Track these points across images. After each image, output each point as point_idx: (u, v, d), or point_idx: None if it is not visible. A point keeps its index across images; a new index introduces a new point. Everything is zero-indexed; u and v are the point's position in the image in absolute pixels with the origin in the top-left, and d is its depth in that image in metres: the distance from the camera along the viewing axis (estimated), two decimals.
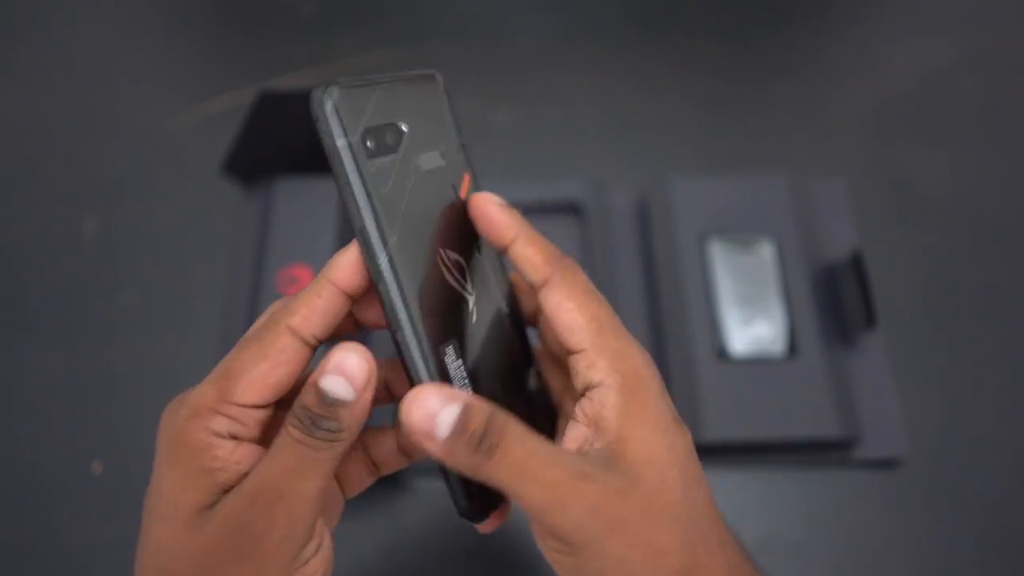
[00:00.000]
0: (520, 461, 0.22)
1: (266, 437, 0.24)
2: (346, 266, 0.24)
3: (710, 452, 0.46)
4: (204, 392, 0.23)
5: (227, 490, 0.23)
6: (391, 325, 0.24)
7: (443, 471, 0.25)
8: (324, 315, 0.24)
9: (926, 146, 0.57)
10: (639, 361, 0.25)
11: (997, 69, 0.60)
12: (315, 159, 0.55)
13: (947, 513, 0.45)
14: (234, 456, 0.23)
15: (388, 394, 0.29)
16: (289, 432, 0.22)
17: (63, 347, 0.50)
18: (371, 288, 0.25)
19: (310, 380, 0.22)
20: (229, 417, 0.23)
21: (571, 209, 0.51)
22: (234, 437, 0.23)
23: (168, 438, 0.23)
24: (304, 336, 0.24)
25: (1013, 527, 0.45)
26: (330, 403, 0.22)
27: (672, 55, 0.61)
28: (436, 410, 0.22)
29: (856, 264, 0.46)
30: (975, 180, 0.56)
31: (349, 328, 0.27)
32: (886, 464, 0.46)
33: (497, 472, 0.22)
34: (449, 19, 0.63)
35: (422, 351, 0.24)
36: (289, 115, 0.47)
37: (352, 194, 0.24)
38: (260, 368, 0.23)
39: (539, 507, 0.22)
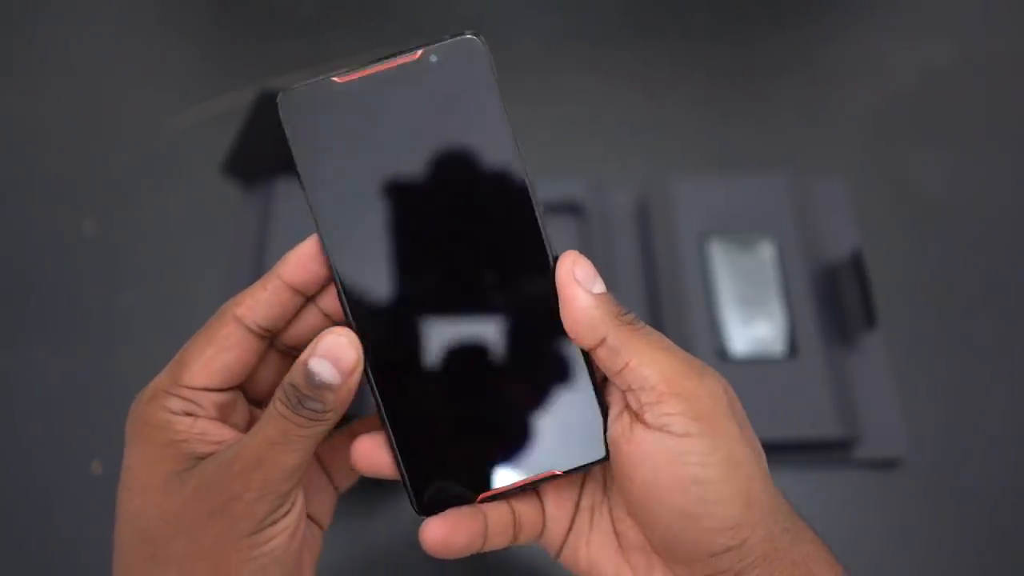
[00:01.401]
0: (659, 336, 0.25)
1: (227, 418, 0.26)
2: (292, 261, 0.25)
3: None
4: (160, 378, 0.25)
5: (199, 457, 0.24)
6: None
7: (396, 463, 0.26)
8: (269, 305, 0.25)
9: (927, 146, 0.57)
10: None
11: (998, 69, 0.60)
12: None
13: (947, 513, 0.45)
14: (195, 429, 0.25)
15: None
16: (275, 407, 0.24)
17: (62, 347, 0.50)
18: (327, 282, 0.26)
19: (300, 359, 0.24)
20: (182, 398, 0.25)
21: (571, 209, 0.51)
22: (189, 414, 0.25)
23: (132, 420, 0.25)
24: (248, 324, 0.25)
25: (1013, 527, 0.45)
26: (316, 384, 0.23)
27: (672, 55, 0.61)
28: (595, 275, 0.25)
29: (856, 264, 0.46)
30: (976, 180, 0.56)
31: (320, 324, 0.27)
32: (886, 464, 0.46)
33: (638, 339, 0.24)
34: (449, 19, 0.63)
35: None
36: None
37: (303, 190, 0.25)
38: (206, 353, 0.25)
39: (674, 373, 0.24)
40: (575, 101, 0.59)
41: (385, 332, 0.25)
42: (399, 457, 0.25)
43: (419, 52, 0.24)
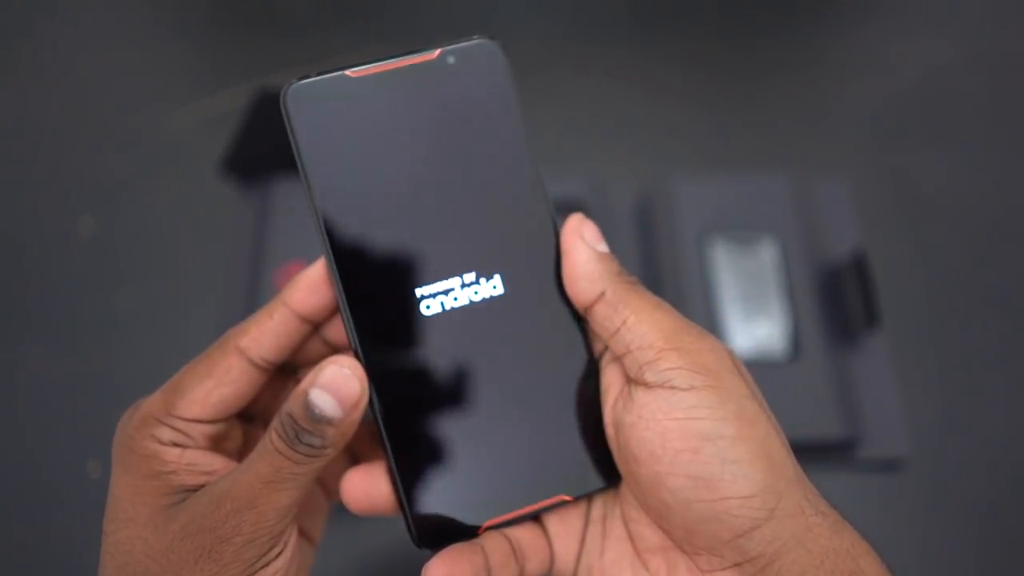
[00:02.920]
0: (659, 299, 0.24)
1: (218, 446, 0.24)
2: (301, 287, 0.24)
3: None
4: (153, 401, 0.24)
5: (188, 490, 0.23)
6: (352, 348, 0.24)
7: (397, 494, 0.24)
8: (276, 336, 0.24)
9: (929, 146, 0.57)
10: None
11: (1000, 69, 0.60)
12: None
13: (949, 513, 0.45)
14: (183, 459, 0.23)
15: None
16: (271, 441, 0.22)
17: (61, 347, 0.50)
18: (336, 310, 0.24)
19: (299, 389, 0.22)
20: (173, 428, 0.23)
21: (572, 209, 0.51)
22: (177, 445, 0.23)
23: (119, 444, 0.23)
24: (252, 357, 0.24)
25: (1015, 527, 0.45)
26: (316, 418, 0.21)
27: (673, 55, 0.61)
28: (599, 237, 0.25)
29: (859, 264, 0.45)
30: (978, 180, 0.56)
31: (322, 352, 0.26)
32: (888, 464, 0.46)
33: (637, 296, 0.23)
34: (449, 18, 0.63)
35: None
36: None
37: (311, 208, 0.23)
38: (204, 386, 0.23)
39: (673, 330, 0.23)
40: (575, 101, 0.59)
41: (392, 355, 0.23)
42: (400, 488, 0.24)
43: (436, 52, 0.24)
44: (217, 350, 0.24)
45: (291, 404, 0.22)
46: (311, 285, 0.24)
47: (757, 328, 0.47)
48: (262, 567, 0.23)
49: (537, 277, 0.25)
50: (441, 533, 0.24)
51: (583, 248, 0.24)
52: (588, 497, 0.25)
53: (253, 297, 0.47)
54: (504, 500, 0.24)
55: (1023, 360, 0.49)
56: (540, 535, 0.25)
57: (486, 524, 0.24)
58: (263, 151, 0.50)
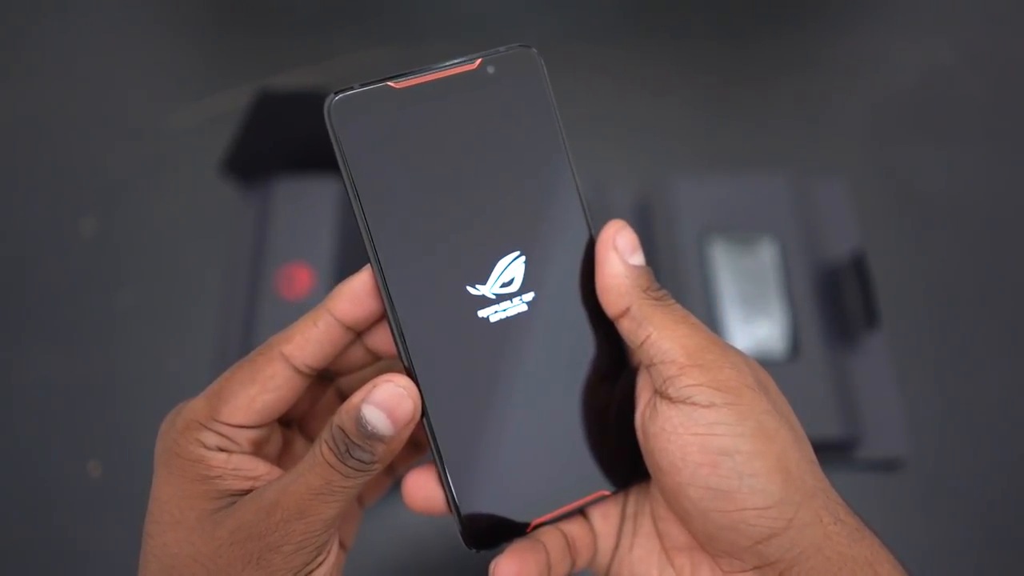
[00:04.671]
0: (684, 313, 0.24)
1: (260, 451, 0.25)
2: (346, 296, 0.24)
3: None
4: (197, 407, 0.24)
5: (234, 494, 0.23)
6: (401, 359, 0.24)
7: (448, 497, 0.24)
8: (320, 344, 0.24)
9: (928, 145, 0.57)
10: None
11: (998, 68, 0.60)
12: (313, 158, 0.55)
13: (949, 513, 0.45)
14: (229, 464, 0.23)
15: None
16: (321, 452, 0.22)
17: (61, 347, 0.50)
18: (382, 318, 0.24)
19: (351, 403, 0.22)
20: (218, 434, 0.24)
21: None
22: (222, 450, 0.24)
23: (164, 449, 0.24)
24: (296, 364, 0.24)
25: (1015, 527, 0.45)
26: (368, 434, 0.22)
27: (673, 55, 0.61)
28: (635, 246, 0.25)
29: (858, 264, 0.45)
30: (977, 179, 0.56)
31: (362, 358, 0.26)
32: (888, 464, 0.46)
33: (661, 313, 0.24)
34: (449, 18, 0.63)
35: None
36: (288, 115, 0.47)
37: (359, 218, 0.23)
38: (248, 392, 0.24)
39: (695, 347, 0.23)
40: (575, 101, 0.59)
41: (441, 361, 0.24)
42: (451, 491, 0.24)
43: (477, 62, 0.25)
44: (261, 356, 0.24)
45: (342, 418, 0.22)
46: (355, 296, 0.24)
47: (757, 328, 0.47)
48: (307, 574, 0.23)
49: (575, 283, 0.25)
50: (491, 533, 0.24)
51: (614, 260, 0.25)
52: (626, 491, 0.26)
53: (254, 297, 0.47)
54: (549, 498, 0.25)
55: (1023, 360, 0.49)
56: (588, 531, 0.26)
57: (534, 523, 0.25)
58: (264, 151, 0.50)
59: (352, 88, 0.23)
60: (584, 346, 0.26)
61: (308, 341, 0.24)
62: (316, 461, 0.22)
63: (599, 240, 0.25)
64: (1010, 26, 0.62)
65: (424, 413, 0.24)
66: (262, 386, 0.24)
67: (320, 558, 0.23)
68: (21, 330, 0.51)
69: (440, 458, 0.24)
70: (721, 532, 0.23)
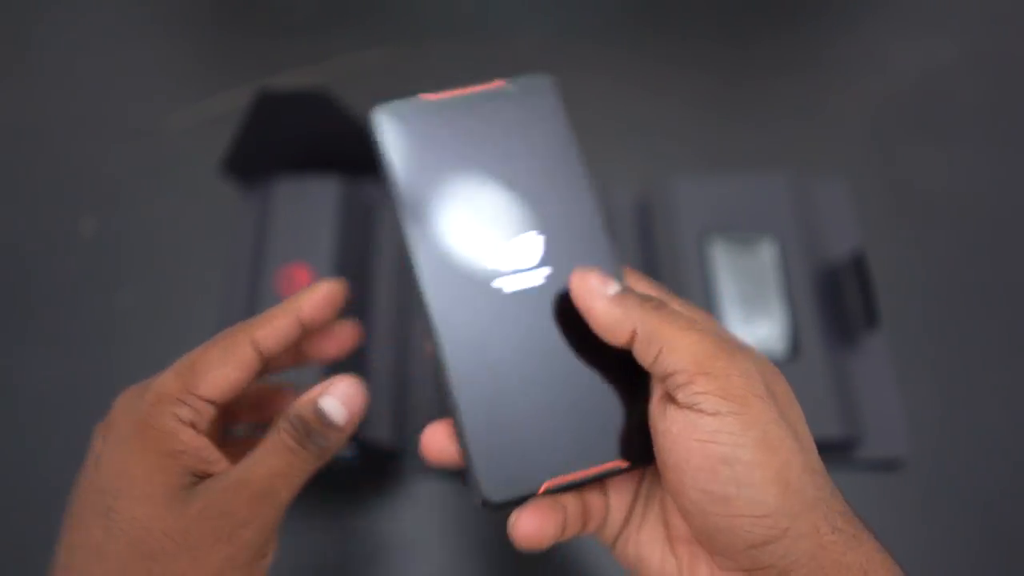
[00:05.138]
0: (688, 320, 0.24)
1: (211, 434, 0.26)
2: (314, 301, 0.27)
3: None
4: (167, 380, 0.25)
5: (194, 474, 0.25)
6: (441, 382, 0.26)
7: (464, 452, 0.25)
8: (284, 336, 0.27)
9: (928, 145, 0.57)
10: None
11: (999, 68, 0.60)
12: (313, 158, 0.55)
13: (949, 513, 0.45)
14: (195, 442, 0.25)
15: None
16: (282, 438, 0.25)
17: (62, 347, 0.50)
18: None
19: (307, 397, 0.25)
20: (192, 408, 0.25)
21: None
22: (193, 426, 0.25)
23: (134, 421, 0.25)
24: (261, 350, 0.26)
25: (1014, 527, 0.45)
26: (326, 423, 0.25)
27: (673, 55, 0.61)
28: (605, 279, 0.26)
29: (858, 264, 0.45)
30: (977, 180, 0.56)
31: (292, 359, 0.29)
32: (888, 464, 0.46)
33: (667, 325, 0.24)
34: (449, 18, 0.63)
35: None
36: (287, 115, 0.47)
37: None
38: (224, 369, 0.25)
39: (704, 355, 0.23)
40: (575, 101, 0.59)
41: (464, 328, 0.26)
42: (469, 445, 0.25)
43: (501, 82, 0.29)
44: (234, 338, 0.26)
45: (301, 409, 0.25)
46: (321, 302, 0.27)
47: (757, 328, 0.47)
48: (262, 556, 0.25)
49: (592, 260, 0.28)
50: (503, 488, 0.25)
51: (596, 300, 0.25)
52: (643, 469, 0.27)
53: (254, 297, 0.47)
54: (564, 462, 0.26)
55: (1023, 360, 0.49)
56: (603, 502, 0.27)
57: (546, 485, 0.25)
58: (264, 151, 0.50)
59: (390, 101, 0.28)
60: None
61: (276, 331, 0.26)
62: (278, 446, 0.25)
63: (573, 296, 0.26)
64: (1010, 26, 0.62)
65: (444, 368, 0.26)
66: (234, 365, 0.26)
67: (272, 543, 0.25)
68: (21, 330, 0.51)
69: (459, 412, 0.25)
70: (717, 533, 0.23)
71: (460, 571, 0.44)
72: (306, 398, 0.25)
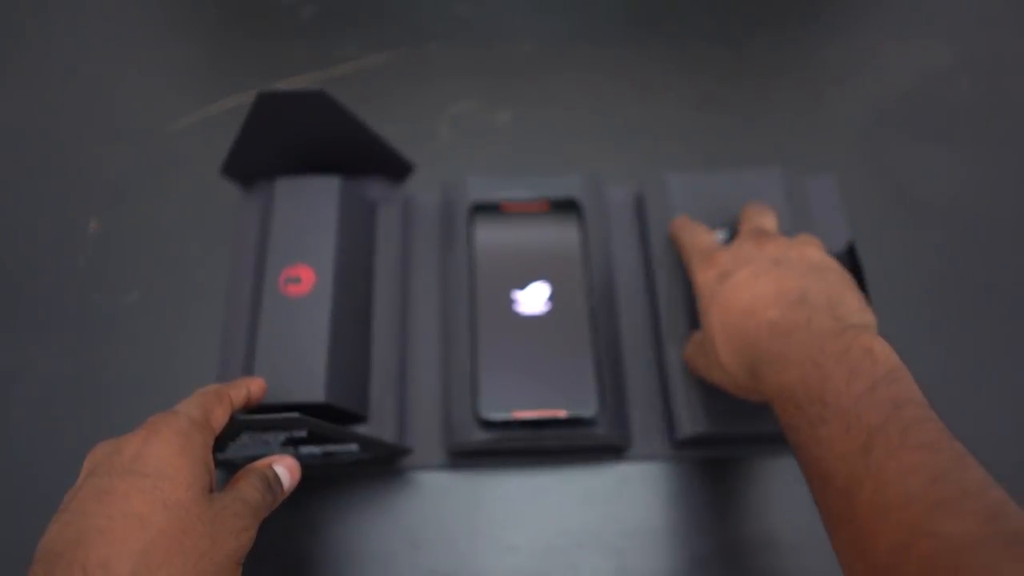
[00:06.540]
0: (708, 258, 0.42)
1: None
2: (255, 392, 0.39)
3: (710, 446, 0.47)
4: (194, 411, 0.33)
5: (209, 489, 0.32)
6: None
7: (474, 385, 0.45)
8: (242, 399, 0.38)
9: (922, 145, 0.57)
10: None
11: (993, 70, 0.61)
12: (314, 158, 0.56)
13: None
14: (212, 461, 0.32)
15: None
16: (253, 483, 0.34)
17: (65, 347, 0.51)
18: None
19: (266, 463, 0.36)
20: (211, 433, 0.33)
21: (572, 206, 0.52)
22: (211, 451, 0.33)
23: (184, 434, 0.31)
24: (233, 403, 0.37)
25: None
26: (277, 482, 0.35)
27: (669, 56, 0.62)
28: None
29: (851, 255, 0.46)
30: (971, 179, 0.56)
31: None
32: None
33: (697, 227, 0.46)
34: (450, 22, 0.64)
35: None
36: (289, 116, 0.47)
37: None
38: (217, 412, 0.35)
39: (707, 245, 0.43)
40: (573, 101, 0.60)
41: (491, 324, 0.46)
42: (480, 382, 0.44)
43: (544, 204, 0.50)
44: (218, 392, 0.36)
45: (266, 471, 0.35)
46: (260, 393, 0.40)
47: None
48: (240, 564, 0.32)
49: (578, 302, 0.47)
50: (492, 415, 0.44)
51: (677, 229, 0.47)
52: (578, 417, 0.44)
53: (257, 298, 0.47)
54: (527, 405, 0.44)
55: (1016, 358, 0.50)
56: None
57: (515, 414, 0.44)
58: (266, 153, 0.50)
59: (480, 203, 0.49)
60: (576, 332, 0.46)
61: (238, 394, 0.37)
62: (254, 487, 0.33)
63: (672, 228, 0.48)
64: (1002, 28, 0.63)
65: (475, 333, 0.46)
66: (224, 409, 0.35)
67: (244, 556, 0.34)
68: (26, 330, 0.51)
69: (479, 354, 0.45)
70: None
71: (461, 570, 0.45)
72: (264, 463, 0.36)
